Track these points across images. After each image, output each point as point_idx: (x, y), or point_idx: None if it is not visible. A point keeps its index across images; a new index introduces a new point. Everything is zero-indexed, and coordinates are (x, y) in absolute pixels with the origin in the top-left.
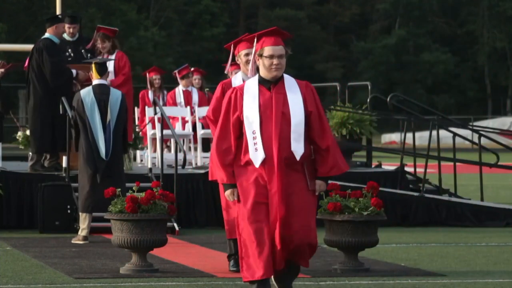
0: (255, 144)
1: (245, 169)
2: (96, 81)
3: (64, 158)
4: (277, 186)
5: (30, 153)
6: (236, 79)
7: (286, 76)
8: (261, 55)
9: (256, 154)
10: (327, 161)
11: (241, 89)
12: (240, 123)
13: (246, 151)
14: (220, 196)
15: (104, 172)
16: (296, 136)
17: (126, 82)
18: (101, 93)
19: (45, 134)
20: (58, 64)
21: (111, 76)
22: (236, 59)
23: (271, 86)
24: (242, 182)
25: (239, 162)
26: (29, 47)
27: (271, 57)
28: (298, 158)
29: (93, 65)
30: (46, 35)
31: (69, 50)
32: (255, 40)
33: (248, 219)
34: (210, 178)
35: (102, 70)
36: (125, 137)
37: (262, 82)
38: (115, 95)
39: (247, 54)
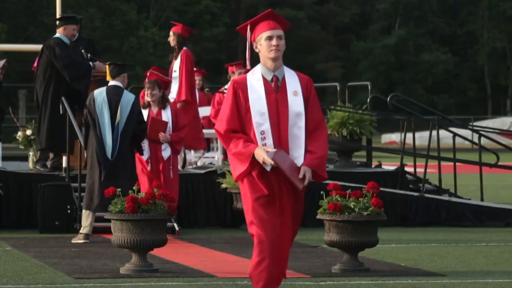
0: None
1: None
2: (111, 82)
3: (64, 158)
4: None
5: (38, 152)
6: (253, 74)
7: None
8: None
9: None
10: None
11: None
12: None
13: None
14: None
15: (109, 171)
16: None
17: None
18: (114, 94)
19: (63, 132)
20: (70, 57)
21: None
22: (254, 46)
23: None
24: None
25: None
26: (29, 47)
27: None
28: None
29: (107, 66)
30: (57, 35)
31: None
32: None
33: None
34: None
35: (115, 72)
36: (138, 139)
37: None
38: (127, 97)
39: (269, 38)
